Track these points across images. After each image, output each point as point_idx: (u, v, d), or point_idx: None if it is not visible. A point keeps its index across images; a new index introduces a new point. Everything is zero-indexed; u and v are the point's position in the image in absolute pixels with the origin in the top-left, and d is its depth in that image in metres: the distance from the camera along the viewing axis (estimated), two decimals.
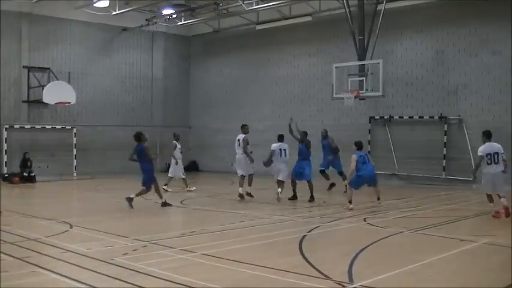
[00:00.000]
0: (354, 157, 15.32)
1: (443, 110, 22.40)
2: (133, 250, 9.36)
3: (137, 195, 15.11)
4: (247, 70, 29.81)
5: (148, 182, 15.20)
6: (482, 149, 13.31)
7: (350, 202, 14.95)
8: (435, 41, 22.95)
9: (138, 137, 15.37)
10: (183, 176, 20.11)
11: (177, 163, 19.94)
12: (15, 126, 25.97)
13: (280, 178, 17.01)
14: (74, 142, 27.35)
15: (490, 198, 13.55)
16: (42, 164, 25.88)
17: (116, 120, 29.20)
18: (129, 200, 14.85)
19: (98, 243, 10.04)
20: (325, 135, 19.85)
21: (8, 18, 25.63)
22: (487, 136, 13.58)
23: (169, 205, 15.32)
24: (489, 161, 13.16)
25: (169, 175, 19.99)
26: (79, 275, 7.74)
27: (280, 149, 17.28)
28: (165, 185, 19.20)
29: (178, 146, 20.02)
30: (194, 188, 20.08)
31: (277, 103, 28.30)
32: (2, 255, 8.86)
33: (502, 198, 13.15)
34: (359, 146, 15.65)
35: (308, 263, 8.46)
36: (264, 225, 12.33)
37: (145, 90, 31.01)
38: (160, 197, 15.40)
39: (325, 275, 7.67)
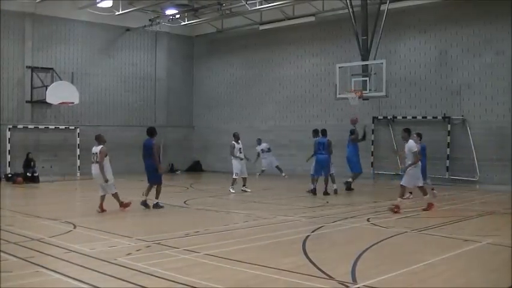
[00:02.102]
0: (418, 147, 16.18)
1: (446, 110, 22.37)
2: (137, 250, 9.37)
3: (157, 196, 15.22)
4: (250, 70, 29.82)
5: (158, 181, 15.25)
6: (415, 144, 14.34)
7: (411, 193, 16.46)
8: (438, 41, 22.91)
9: (150, 131, 15.26)
10: (245, 176, 19.69)
11: (239, 162, 19.45)
12: (19, 127, 26.01)
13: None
14: (78, 142, 27.37)
15: (405, 192, 14.54)
16: (45, 164, 25.93)
17: (119, 121, 29.24)
18: (156, 206, 15.07)
19: (101, 243, 10.04)
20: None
21: (11, 18, 25.74)
22: (410, 132, 14.70)
23: (148, 207, 14.98)
24: (420, 155, 14.46)
25: (234, 176, 19.47)
26: (82, 275, 7.74)
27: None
28: (243, 185, 19.57)
29: (238, 146, 19.49)
30: (249, 190, 19.44)
31: (280, 103, 28.30)
32: (5, 255, 8.88)
33: (426, 196, 14.63)
34: (420, 136, 16.75)
35: (311, 263, 8.45)
36: (267, 225, 12.32)
37: (149, 90, 31.03)
38: (146, 194, 15.19)
39: (328, 275, 7.67)
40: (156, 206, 15.09)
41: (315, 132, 19.20)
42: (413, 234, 11.21)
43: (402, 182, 14.18)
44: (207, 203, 16.67)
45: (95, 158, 14.34)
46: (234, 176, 19.41)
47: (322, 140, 18.37)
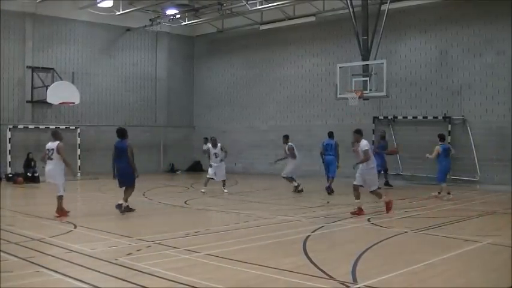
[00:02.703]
0: (438, 148, 16.61)
1: (447, 110, 22.37)
2: (137, 250, 9.37)
3: (126, 199, 14.14)
4: (251, 70, 29.82)
5: (131, 183, 14.23)
6: (366, 143, 13.99)
7: (449, 193, 16.92)
8: (439, 41, 22.91)
9: (121, 133, 14.29)
10: (223, 178, 19.38)
11: (210, 165, 19.33)
12: (19, 127, 26.01)
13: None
14: (78, 142, 27.34)
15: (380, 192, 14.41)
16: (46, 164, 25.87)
17: (119, 121, 29.16)
18: (119, 206, 13.98)
19: (101, 243, 10.05)
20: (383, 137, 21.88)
21: (11, 18, 25.74)
22: (361, 133, 14.21)
23: (132, 210, 14.13)
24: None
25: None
26: (83, 275, 7.75)
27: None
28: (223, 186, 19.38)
29: (214, 150, 19.19)
30: (203, 190, 18.89)
31: (281, 103, 28.30)
32: (6, 255, 8.88)
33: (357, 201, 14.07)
34: (442, 137, 17.18)
35: (312, 263, 8.45)
36: (268, 225, 12.32)
37: (149, 90, 31.03)
38: (125, 201, 14.14)
39: (328, 275, 7.67)
40: (127, 209, 14.07)
41: (286, 138, 19.68)
42: (413, 234, 11.21)
43: (372, 189, 14.01)
44: (207, 203, 16.66)
45: (50, 154, 13.53)
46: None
47: (330, 142, 19.13)
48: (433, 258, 8.72)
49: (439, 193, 17.55)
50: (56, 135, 13.94)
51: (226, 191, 19.22)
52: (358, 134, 14.16)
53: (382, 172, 21.24)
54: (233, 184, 22.94)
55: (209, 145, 19.69)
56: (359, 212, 13.80)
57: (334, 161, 18.88)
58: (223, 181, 19.44)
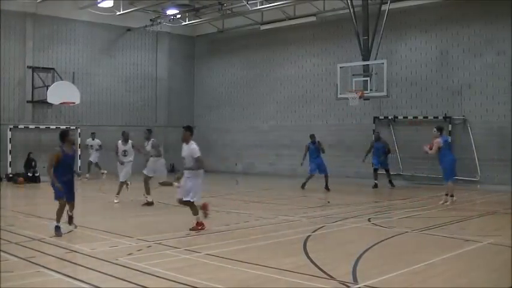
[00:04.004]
0: (438, 141, 15.11)
1: (447, 110, 22.35)
2: (138, 250, 9.37)
3: (57, 218, 10.97)
4: (251, 70, 29.80)
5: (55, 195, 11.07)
6: (198, 148, 11.54)
7: (452, 196, 15.44)
8: (439, 41, 22.89)
9: (59, 135, 11.90)
10: (121, 180, 16.69)
11: (119, 166, 16.85)
12: (20, 127, 26.00)
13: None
14: (78, 142, 27.30)
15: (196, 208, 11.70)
16: (46, 164, 25.84)
17: (120, 121, 29.22)
18: (56, 228, 10.90)
19: (102, 243, 10.05)
20: (378, 138, 21.72)
21: (12, 18, 25.71)
22: (192, 131, 11.86)
23: (59, 235, 10.73)
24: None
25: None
26: (83, 275, 7.76)
27: None
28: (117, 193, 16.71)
29: (123, 147, 16.68)
30: (117, 201, 16.45)
31: (281, 103, 28.28)
32: (6, 255, 8.89)
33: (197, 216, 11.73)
34: (441, 129, 15.60)
35: (312, 263, 8.46)
36: (268, 225, 12.32)
37: (150, 90, 31.02)
38: (57, 221, 10.92)
39: (329, 275, 7.67)
40: (56, 228, 10.87)
41: (149, 132, 17.12)
42: (414, 234, 11.21)
43: (189, 198, 11.38)
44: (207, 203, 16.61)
45: None
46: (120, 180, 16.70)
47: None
48: (434, 258, 8.73)
49: (446, 195, 15.69)
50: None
51: (116, 201, 16.43)
52: (187, 131, 11.70)
53: (384, 171, 21.56)
54: (234, 184, 22.96)
55: (119, 142, 16.91)
56: (199, 226, 11.49)
57: (314, 160, 20.48)
58: (124, 183, 16.75)
